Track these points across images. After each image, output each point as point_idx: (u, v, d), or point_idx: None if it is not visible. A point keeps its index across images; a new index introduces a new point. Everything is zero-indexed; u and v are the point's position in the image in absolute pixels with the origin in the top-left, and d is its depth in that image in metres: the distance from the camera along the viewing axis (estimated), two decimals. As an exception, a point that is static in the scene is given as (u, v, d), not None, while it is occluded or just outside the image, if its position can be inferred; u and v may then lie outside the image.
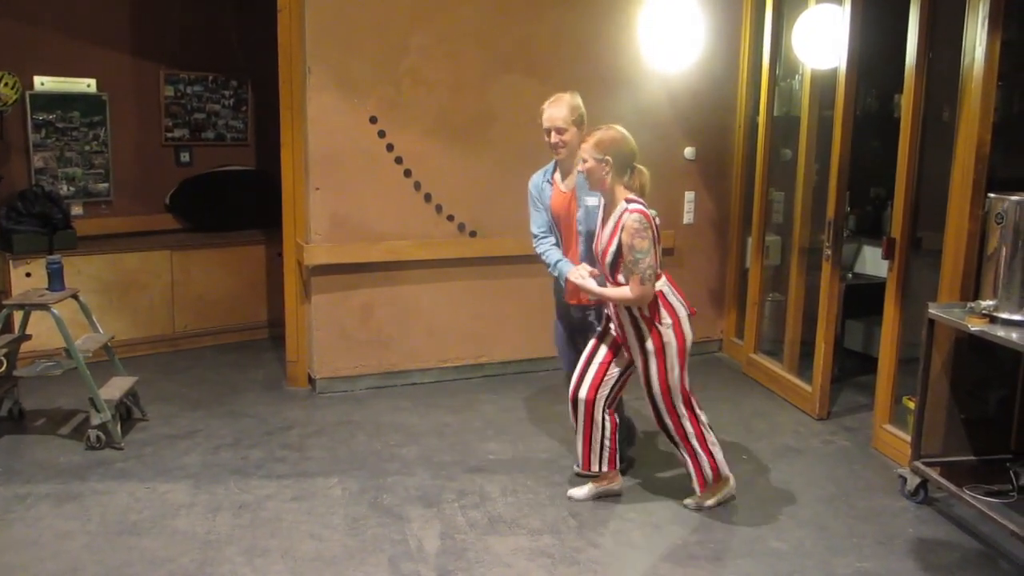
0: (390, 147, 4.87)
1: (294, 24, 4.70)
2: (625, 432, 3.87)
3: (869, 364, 4.83)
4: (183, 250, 5.77)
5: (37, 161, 5.65)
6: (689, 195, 5.64)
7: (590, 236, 3.54)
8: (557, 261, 3.66)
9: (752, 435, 4.45)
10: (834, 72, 4.47)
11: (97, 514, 3.48)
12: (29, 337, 4.47)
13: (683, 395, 3.43)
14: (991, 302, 3.31)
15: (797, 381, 4.90)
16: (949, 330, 3.63)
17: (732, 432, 4.48)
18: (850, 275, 5.52)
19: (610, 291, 3.36)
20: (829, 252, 4.50)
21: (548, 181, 3.72)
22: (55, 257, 4.36)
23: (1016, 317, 3.24)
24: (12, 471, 3.86)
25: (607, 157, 3.27)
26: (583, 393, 3.50)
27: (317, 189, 4.76)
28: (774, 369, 5.14)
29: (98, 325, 4.54)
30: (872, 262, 5.50)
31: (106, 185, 5.95)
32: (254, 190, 6.31)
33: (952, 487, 3.45)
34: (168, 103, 6.14)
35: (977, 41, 3.53)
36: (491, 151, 5.06)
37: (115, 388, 4.32)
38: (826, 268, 4.55)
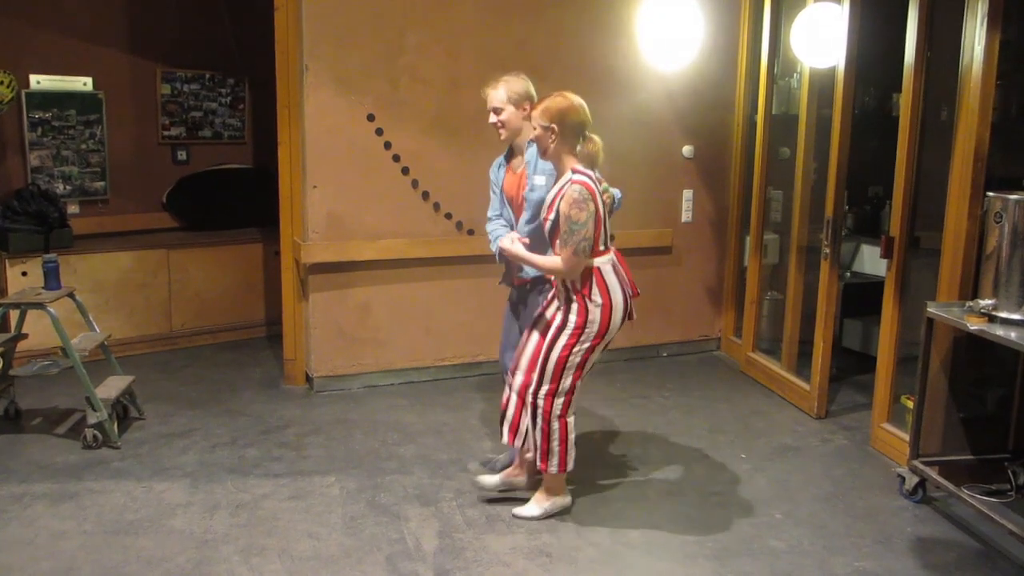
0: (387, 145, 4.86)
1: (291, 22, 4.69)
2: None
3: (867, 363, 4.83)
4: (180, 249, 5.75)
5: (33, 160, 5.63)
6: (687, 193, 5.63)
7: (536, 213, 3.47)
8: (498, 238, 3.60)
9: (750, 434, 4.45)
10: (832, 71, 4.46)
11: (93, 513, 3.47)
12: (25, 336, 4.46)
13: (573, 378, 3.30)
14: (990, 301, 3.31)
15: (795, 380, 4.89)
16: (948, 329, 3.63)
17: (730, 431, 4.48)
18: (848, 274, 5.53)
19: (539, 258, 3.29)
20: (827, 251, 4.50)
21: (502, 163, 3.72)
22: (51, 256, 4.34)
23: (1015, 316, 3.24)
24: (8, 470, 3.85)
25: (552, 125, 3.20)
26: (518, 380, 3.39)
27: (314, 187, 4.75)
28: (772, 368, 5.14)
29: (95, 324, 4.53)
30: (870, 261, 5.50)
31: (102, 184, 5.93)
32: (251, 188, 6.30)
33: (950, 486, 3.44)
34: (165, 101, 6.12)
35: (976, 40, 3.53)
36: (489, 149, 5.01)
37: (112, 387, 4.30)
38: (824, 267, 4.55)
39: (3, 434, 4.27)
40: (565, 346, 3.26)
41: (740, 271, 5.70)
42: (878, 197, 5.71)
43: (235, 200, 6.24)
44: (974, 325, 3.27)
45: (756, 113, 5.34)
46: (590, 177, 3.20)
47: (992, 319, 3.29)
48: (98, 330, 4.54)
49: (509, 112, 3.54)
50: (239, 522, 3.42)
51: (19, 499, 3.58)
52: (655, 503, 3.65)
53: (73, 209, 5.79)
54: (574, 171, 3.22)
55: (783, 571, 3.13)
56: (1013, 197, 3.25)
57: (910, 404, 3.87)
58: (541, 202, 3.39)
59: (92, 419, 4.07)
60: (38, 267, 4.55)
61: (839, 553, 3.26)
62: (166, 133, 6.18)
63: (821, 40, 4.50)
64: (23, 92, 5.51)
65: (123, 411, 4.46)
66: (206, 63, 6.23)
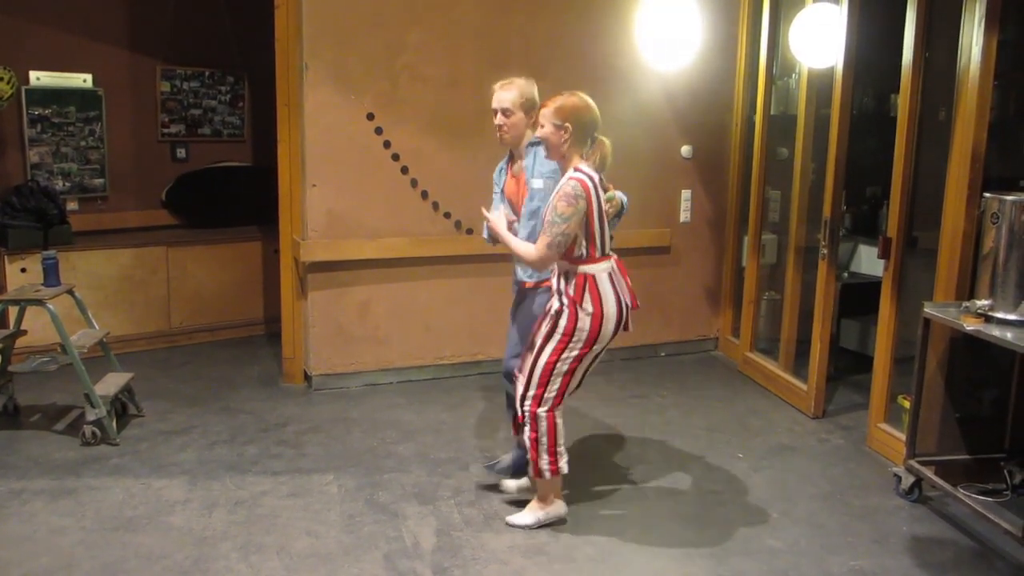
0: (387, 144, 4.87)
1: (291, 20, 4.69)
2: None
3: (864, 363, 4.84)
4: (179, 246, 5.75)
5: (32, 156, 5.63)
6: (686, 193, 5.64)
7: (534, 218, 3.41)
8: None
9: (747, 433, 4.46)
10: (831, 71, 4.47)
11: (92, 510, 3.47)
12: (24, 332, 4.47)
13: (560, 385, 3.22)
14: (986, 302, 3.32)
15: (793, 380, 4.91)
16: (944, 329, 3.64)
17: (727, 430, 4.49)
18: (846, 274, 5.54)
19: (514, 240, 3.23)
20: (825, 251, 4.51)
21: (503, 167, 3.67)
22: (50, 252, 4.34)
23: (1011, 316, 3.25)
24: (7, 467, 3.86)
25: (566, 124, 3.12)
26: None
27: (314, 186, 4.75)
28: (770, 368, 5.15)
29: (94, 321, 4.53)
30: (868, 261, 5.51)
31: (102, 180, 5.93)
32: (251, 186, 6.30)
33: (947, 486, 3.46)
34: (164, 99, 6.12)
35: (974, 40, 3.53)
36: (488, 148, 5.03)
37: (111, 384, 4.31)
38: (822, 267, 4.56)
39: (2, 430, 4.27)
40: (553, 351, 3.19)
41: (738, 271, 5.71)
42: (876, 197, 5.72)
43: (234, 198, 6.24)
44: (970, 325, 3.28)
45: (755, 113, 5.35)
46: (590, 177, 3.12)
47: (988, 319, 3.30)
48: (97, 327, 4.54)
49: (517, 117, 3.45)
50: (237, 519, 3.43)
51: (18, 495, 3.58)
52: (652, 502, 3.66)
53: (72, 206, 5.79)
54: (576, 169, 3.15)
55: (780, 570, 3.14)
56: (1010, 198, 3.27)
57: (907, 404, 3.88)
58: (538, 211, 3.33)
59: (91, 416, 4.07)
60: (37, 263, 4.56)
61: (836, 552, 3.27)
62: (165, 130, 6.18)
63: (820, 40, 4.51)
64: (23, 88, 5.51)
65: (122, 408, 4.46)
66: (206, 60, 6.23)
